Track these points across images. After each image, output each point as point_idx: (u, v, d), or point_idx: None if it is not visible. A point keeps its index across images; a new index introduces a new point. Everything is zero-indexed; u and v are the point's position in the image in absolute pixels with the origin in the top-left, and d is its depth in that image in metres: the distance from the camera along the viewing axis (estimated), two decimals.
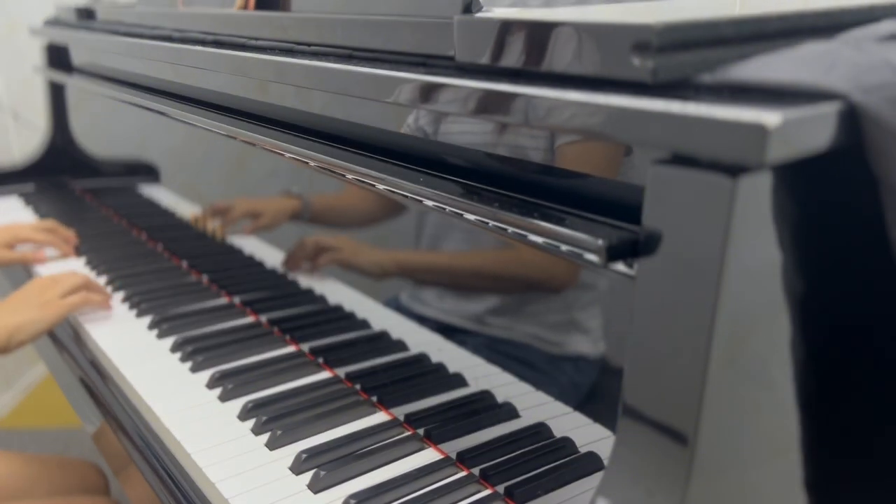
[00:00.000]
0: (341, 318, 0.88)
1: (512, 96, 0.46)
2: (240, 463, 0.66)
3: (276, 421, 0.71)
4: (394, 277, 0.81)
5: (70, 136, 1.56)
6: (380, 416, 0.73)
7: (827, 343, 0.46)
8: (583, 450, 0.65)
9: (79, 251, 1.19)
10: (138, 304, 0.98)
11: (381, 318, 0.84)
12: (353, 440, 0.68)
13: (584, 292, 0.60)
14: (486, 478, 0.63)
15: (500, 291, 0.68)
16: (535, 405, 0.68)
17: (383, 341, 0.83)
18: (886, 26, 0.46)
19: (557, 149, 0.53)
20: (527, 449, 0.65)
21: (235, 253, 1.06)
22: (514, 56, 0.49)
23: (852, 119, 0.38)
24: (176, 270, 1.10)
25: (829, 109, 0.38)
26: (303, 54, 0.70)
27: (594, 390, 0.63)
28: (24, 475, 0.98)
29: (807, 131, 0.37)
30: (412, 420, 0.71)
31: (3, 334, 0.87)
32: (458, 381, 0.75)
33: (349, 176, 0.66)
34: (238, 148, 0.98)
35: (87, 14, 1.36)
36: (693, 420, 0.40)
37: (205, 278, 1.06)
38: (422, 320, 0.78)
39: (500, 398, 0.71)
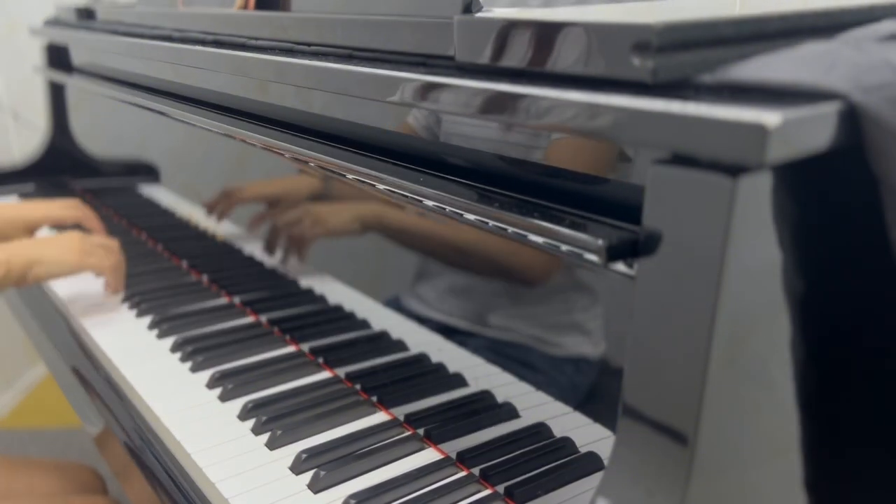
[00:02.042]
0: (341, 318, 0.88)
1: (512, 96, 0.46)
2: (240, 463, 0.66)
3: (276, 421, 0.71)
4: (371, 230, 0.80)
5: (70, 136, 1.56)
6: (380, 416, 0.73)
7: (827, 343, 0.46)
8: (583, 450, 0.65)
9: None
10: (138, 304, 0.98)
11: (381, 318, 0.84)
12: (353, 440, 0.68)
13: (586, 293, 0.60)
14: (486, 478, 0.63)
15: (471, 271, 0.68)
16: (535, 405, 0.68)
17: (383, 341, 0.83)
18: (886, 26, 0.46)
19: (549, 145, 0.53)
20: (527, 449, 0.65)
21: (235, 253, 1.06)
22: (513, 56, 0.49)
23: (852, 119, 0.38)
24: (176, 270, 1.10)
25: (829, 109, 0.38)
26: (303, 54, 0.70)
27: (594, 390, 0.63)
28: (22, 478, 0.98)
29: (807, 131, 0.37)
30: (412, 420, 0.71)
31: (23, 263, 0.87)
32: (458, 381, 0.75)
33: (349, 176, 0.66)
34: (238, 148, 0.98)
35: (87, 14, 1.36)
36: (693, 420, 0.40)
37: (205, 278, 1.06)
38: (422, 321, 0.78)
39: (500, 398, 0.71)
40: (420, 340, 0.79)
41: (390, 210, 0.76)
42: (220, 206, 1.07)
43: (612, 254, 0.43)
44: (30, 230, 1.08)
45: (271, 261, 1.01)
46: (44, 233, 1.12)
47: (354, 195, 0.81)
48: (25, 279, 0.88)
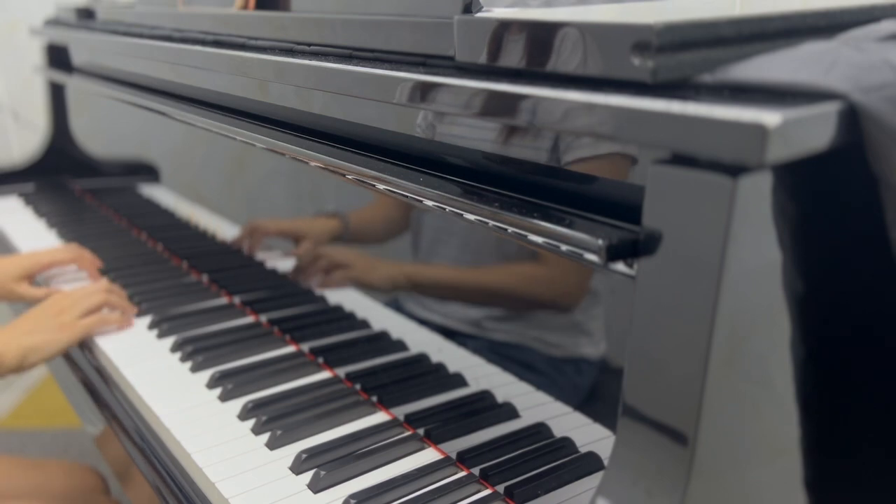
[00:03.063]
0: (341, 318, 0.88)
1: (511, 96, 0.46)
2: (240, 463, 0.66)
3: (276, 421, 0.71)
4: (405, 291, 0.80)
5: (70, 136, 1.56)
6: (380, 416, 0.73)
7: (827, 343, 0.46)
8: (583, 450, 0.65)
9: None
10: (138, 304, 0.98)
11: (381, 318, 0.84)
12: (353, 440, 0.68)
13: (587, 295, 0.60)
14: (486, 478, 0.63)
15: (511, 308, 0.68)
16: (535, 405, 0.68)
17: (383, 341, 0.83)
18: (886, 26, 0.46)
19: (565, 166, 0.53)
20: (527, 449, 0.65)
21: (235, 253, 1.06)
22: (513, 56, 0.49)
23: (852, 119, 0.38)
24: (176, 270, 1.10)
25: (829, 109, 0.38)
26: (303, 54, 0.70)
27: (594, 390, 0.63)
28: (23, 479, 0.98)
29: (806, 131, 0.37)
30: (412, 420, 0.71)
31: (17, 354, 0.84)
32: (458, 381, 0.75)
33: (349, 176, 0.66)
34: (238, 148, 0.98)
35: (87, 14, 1.36)
36: (693, 420, 0.40)
37: (205, 278, 1.06)
38: (422, 323, 0.78)
39: (500, 398, 0.71)
40: (420, 340, 0.79)
41: (422, 270, 0.76)
42: (247, 240, 1.07)
43: (612, 253, 0.43)
44: (29, 278, 1.06)
45: (271, 261, 1.01)
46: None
47: (374, 236, 0.82)
48: (22, 367, 0.86)
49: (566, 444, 0.65)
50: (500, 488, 0.62)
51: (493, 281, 0.68)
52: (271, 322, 0.92)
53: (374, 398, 0.75)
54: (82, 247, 1.13)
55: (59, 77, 1.47)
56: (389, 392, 0.75)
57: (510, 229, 0.51)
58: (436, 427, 0.69)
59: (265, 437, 0.69)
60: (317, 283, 0.91)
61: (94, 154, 1.52)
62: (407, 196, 0.60)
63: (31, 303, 1.01)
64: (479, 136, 0.59)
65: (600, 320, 0.59)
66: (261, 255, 1.01)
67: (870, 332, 0.48)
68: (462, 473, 0.64)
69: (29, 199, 1.47)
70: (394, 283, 0.80)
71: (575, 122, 0.42)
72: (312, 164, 0.71)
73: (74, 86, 1.47)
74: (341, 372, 0.80)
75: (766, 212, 0.40)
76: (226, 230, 1.09)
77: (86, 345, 0.93)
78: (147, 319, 0.95)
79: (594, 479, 0.62)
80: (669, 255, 0.40)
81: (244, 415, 0.73)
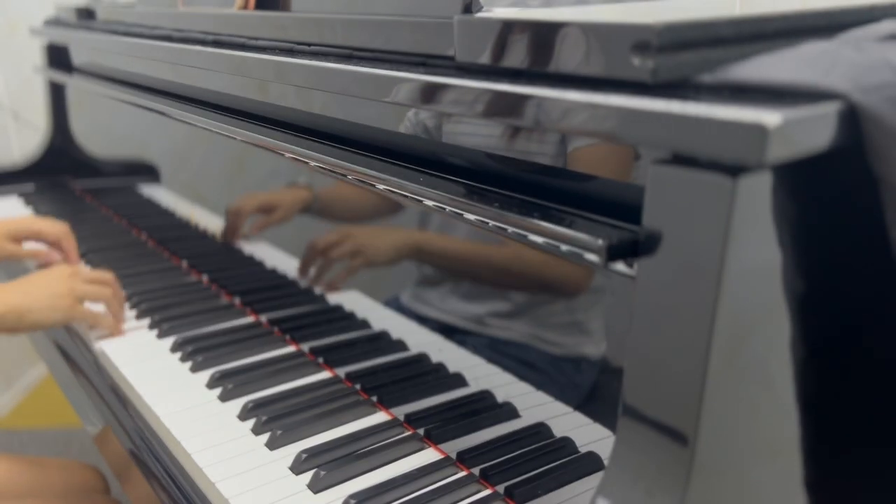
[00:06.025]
0: (341, 318, 0.88)
1: (512, 96, 0.46)
2: (240, 463, 0.66)
3: (276, 421, 0.71)
4: (410, 260, 0.79)
5: (70, 136, 1.56)
6: (380, 416, 0.73)
7: (827, 343, 0.46)
8: (583, 450, 0.65)
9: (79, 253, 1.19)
10: (138, 304, 0.98)
11: (381, 318, 0.84)
12: (353, 440, 0.68)
13: (588, 294, 0.60)
14: (487, 478, 0.63)
15: (514, 288, 0.67)
16: (535, 405, 0.68)
17: (383, 341, 0.83)
18: (886, 26, 0.46)
19: (570, 154, 0.53)
20: (527, 449, 0.65)
21: (235, 253, 1.06)
22: (514, 56, 0.49)
23: (852, 119, 0.39)
24: (176, 270, 1.10)
25: (829, 109, 0.38)
26: (303, 54, 0.70)
27: (594, 390, 0.63)
28: (23, 478, 0.98)
29: (807, 131, 0.37)
30: (412, 420, 0.71)
31: (14, 314, 0.83)
32: (458, 381, 0.75)
33: (349, 176, 0.66)
34: (238, 148, 0.98)
35: (87, 14, 1.36)
36: (693, 420, 0.40)
37: (205, 278, 1.06)
38: (422, 320, 0.78)
39: (500, 398, 0.71)
40: (420, 340, 0.79)
41: (430, 238, 0.75)
42: (231, 227, 1.07)
43: (613, 253, 0.43)
44: (15, 239, 1.06)
45: (271, 261, 1.01)
46: (30, 245, 1.09)
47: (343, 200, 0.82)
48: (19, 329, 0.85)
49: (566, 444, 0.65)
50: (501, 488, 0.62)
51: (504, 256, 0.68)
52: (271, 322, 0.92)
53: (374, 398, 0.75)
54: (74, 239, 1.11)
55: (59, 77, 1.47)
56: (389, 392, 0.75)
57: (510, 229, 0.51)
58: (436, 427, 0.69)
59: (265, 437, 0.69)
60: (325, 281, 0.91)
61: (94, 154, 1.52)
62: (407, 196, 0.60)
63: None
64: (480, 135, 0.59)
65: (601, 319, 0.60)
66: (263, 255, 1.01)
67: (870, 332, 0.49)
68: (462, 473, 0.64)
69: (29, 199, 1.47)
70: (399, 252, 0.80)
71: (575, 122, 0.42)
72: (312, 164, 0.71)
73: (74, 86, 1.47)
74: (341, 372, 0.80)
75: (766, 212, 0.40)
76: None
77: (85, 345, 0.93)
78: (147, 319, 0.95)
79: (594, 479, 0.62)
80: (669, 255, 0.40)
81: (244, 415, 0.73)
